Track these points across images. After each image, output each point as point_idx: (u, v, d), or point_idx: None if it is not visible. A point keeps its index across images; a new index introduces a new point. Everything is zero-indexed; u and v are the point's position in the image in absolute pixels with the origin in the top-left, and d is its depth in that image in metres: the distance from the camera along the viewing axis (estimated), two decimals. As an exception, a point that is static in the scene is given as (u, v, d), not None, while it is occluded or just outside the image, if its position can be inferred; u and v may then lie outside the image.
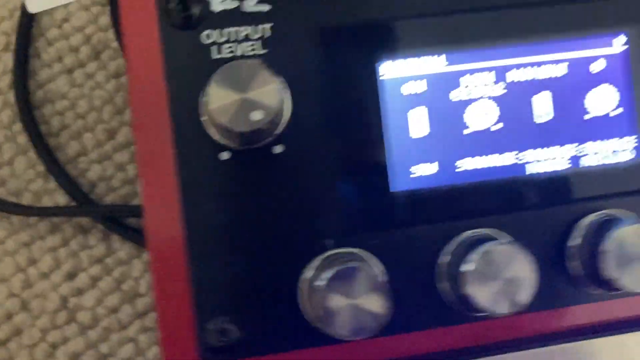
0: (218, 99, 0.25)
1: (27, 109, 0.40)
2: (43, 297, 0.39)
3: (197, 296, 0.28)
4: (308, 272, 0.27)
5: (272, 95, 0.25)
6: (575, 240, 0.29)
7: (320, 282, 0.25)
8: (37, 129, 0.40)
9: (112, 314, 0.39)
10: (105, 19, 0.41)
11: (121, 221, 0.39)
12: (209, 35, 0.28)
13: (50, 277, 0.39)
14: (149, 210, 0.28)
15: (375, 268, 0.27)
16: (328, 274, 0.25)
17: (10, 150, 0.40)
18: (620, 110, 0.30)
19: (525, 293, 0.26)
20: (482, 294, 0.26)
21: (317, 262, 0.28)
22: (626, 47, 0.30)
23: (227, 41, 0.28)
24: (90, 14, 0.41)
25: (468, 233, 0.28)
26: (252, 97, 0.25)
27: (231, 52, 0.28)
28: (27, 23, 0.41)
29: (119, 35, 0.39)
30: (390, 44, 0.29)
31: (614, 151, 0.30)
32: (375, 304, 0.25)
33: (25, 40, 0.41)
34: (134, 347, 0.39)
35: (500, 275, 0.26)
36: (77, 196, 0.39)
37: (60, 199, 0.40)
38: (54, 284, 0.39)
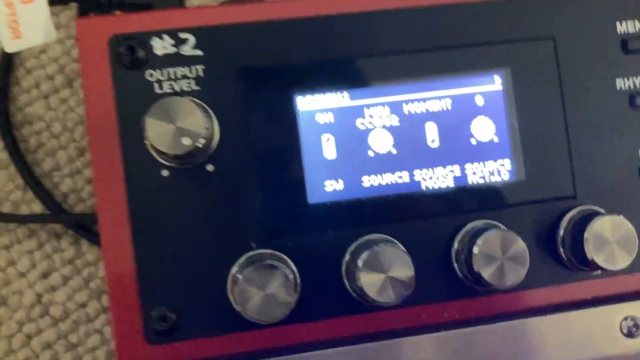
0: (154, 129, 0.31)
1: (8, 129, 0.46)
2: (20, 293, 0.45)
3: (142, 288, 0.33)
4: (234, 268, 0.33)
5: (197, 123, 0.31)
6: (457, 245, 0.35)
7: (240, 276, 0.31)
8: (17, 147, 0.46)
9: (80, 308, 0.45)
10: (76, 52, 0.47)
11: (89, 228, 0.45)
12: (152, 74, 0.34)
13: (26, 276, 0.45)
14: (102, 218, 0.33)
15: (287, 266, 0.33)
16: (248, 269, 0.31)
17: (-7, 166, 0.46)
18: (496, 138, 0.36)
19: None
20: (372, 287, 0.32)
21: (241, 259, 0.34)
22: (500, 86, 0.36)
23: (168, 79, 0.34)
24: (64, 46, 0.47)
25: (365, 237, 0.34)
26: (181, 126, 0.31)
27: (171, 88, 0.34)
28: (8, 55, 0.46)
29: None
30: (304, 81, 0.35)
31: (491, 172, 0.36)
32: (282, 296, 0.31)
33: (7, 69, 0.47)
34: (100, 337, 0.44)
35: (385, 270, 0.32)
36: (51, 206, 0.45)
37: (36, 207, 0.46)
38: (30, 282, 0.45)
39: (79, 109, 0.47)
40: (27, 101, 0.47)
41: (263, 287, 0.31)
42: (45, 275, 0.45)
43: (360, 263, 0.32)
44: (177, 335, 0.34)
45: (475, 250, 0.33)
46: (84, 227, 0.45)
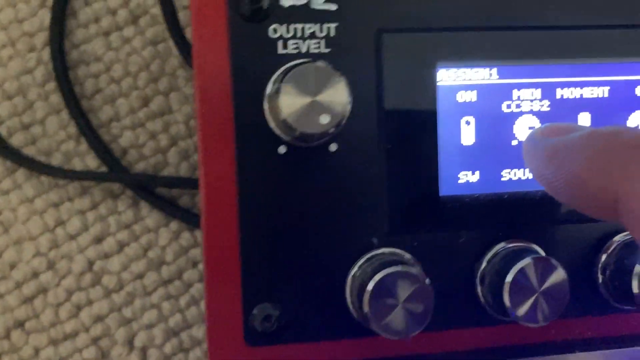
0: (290, 100, 0.26)
1: (62, 68, 0.40)
2: (69, 258, 0.40)
3: (246, 282, 0.29)
4: (355, 268, 0.29)
5: (340, 100, 0.26)
6: (605, 255, 0.30)
7: (371, 285, 0.27)
8: (71, 89, 0.40)
9: (137, 279, 0.40)
10: (145, -17, 0.41)
11: (151, 190, 0.40)
12: (276, 30, 0.28)
13: (77, 239, 0.40)
14: (206, 196, 0.28)
15: (418, 270, 0.28)
16: (378, 276, 0.27)
17: (42, 109, 0.40)
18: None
19: (557, 307, 0.28)
20: (520, 306, 0.27)
21: (362, 259, 0.29)
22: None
23: (294, 37, 0.28)
24: (130, -23, 0.41)
25: (505, 244, 0.30)
26: (322, 101, 0.26)
27: (296, 48, 0.28)
28: (66, -19, 0.40)
29: (163, 5, 0.39)
30: (448, 51, 0.29)
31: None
32: (419, 306, 0.27)
33: (63, -2, 0.40)
34: (158, 313, 0.40)
35: (535, 287, 0.28)
36: (107, 161, 0.40)
37: (91, 162, 0.40)
38: (81, 246, 0.40)
39: (145, 52, 0.41)
40: (84, 37, 0.40)
41: (399, 298, 0.27)
42: (98, 240, 0.40)
43: (509, 278, 0.28)
44: (281, 337, 0.29)
45: (638, 269, 0.28)
46: (145, 189, 0.40)
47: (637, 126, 0.31)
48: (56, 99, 0.40)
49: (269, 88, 0.27)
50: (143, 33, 0.41)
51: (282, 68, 0.28)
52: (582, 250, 0.31)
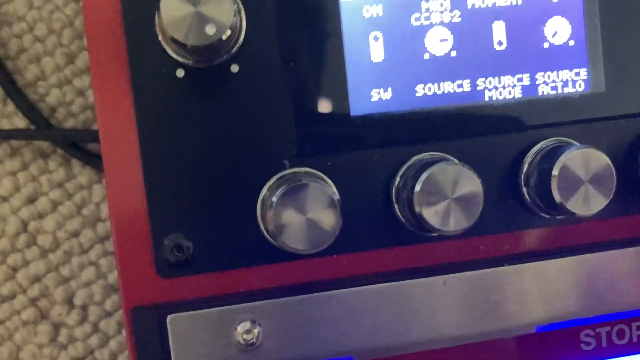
0: (170, 10, 0.25)
1: (-16, 30, 0.39)
2: (2, 219, 0.39)
3: (153, 212, 0.28)
4: (264, 191, 0.28)
5: (225, 10, 0.25)
6: (527, 165, 0.29)
7: (275, 198, 0.26)
8: (-6, 51, 0.39)
9: (72, 237, 0.39)
10: (63, -61, 0.40)
11: (82, 146, 0.39)
12: (164, -53, 0.27)
13: (9, 200, 0.39)
14: (104, 127, 0.27)
15: (329, 187, 0.27)
16: (282, 189, 0.26)
17: (-34, 73, 0.39)
18: (572, 42, 0.30)
19: (473, 211, 0.27)
20: (431, 214, 0.27)
21: (272, 180, 0.28)
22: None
23: (183, -45, 0.27)
24: None
25: (422, 156, 0.29)
26: (204, 11, 0.25)
27: (187, -33, 0.27)
28: (-18, -60, 0.39)
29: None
30: (349, -36, 0.29)
31: (566, 81, 0.30)
32: (325, 218, 0.26)
33: (-19, -41, 0.39)
34: (95, 270, 0.39)
35: (447, 194, 0.27)
36: (36, 120, 0.39)
37: (19, 122, 0.39)
38: (14, 207, 0.39)
39: (67, 9, 0.40)
40: (5, -2, 0.40)
41: (304, 211, 0.26)
42: (31, 200, 0.39)
43: (418, 187, 0.27)
44: (194, 267, 0.28)
45: (555, 172, 0.27)
46: (76, 145, 0.39)
47: (554, 33, 0.30)
48: (-21, 61, 0.39)
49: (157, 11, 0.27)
50: (64, -11, 0.40)
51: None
52: (503, 163, 0.30)
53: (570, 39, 0.31)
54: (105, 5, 0.27)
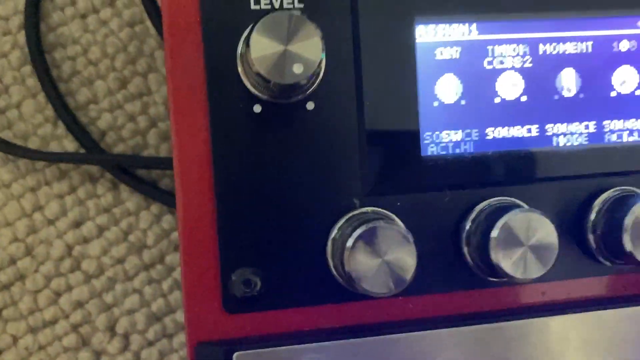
0: (260, 48, 0.25)
1: (38, 51, 0.39)
2: (48, 243, 0.39)
3: (223, 247, 0.28)
4: (335, 229, 0.28)
5: (314, 50, 0.25)
6: (594, 213, 0.29)
7: (350, 242, 0.26)
8: (48, 72, 0.39)
9: (117, 264, 0.39)
10: (121, -36, 0.40)
11: (131, 172, 0.39)
12: (248, -15, 0.27)
13: (55, 224, 0.39)
14: (179, 158, 0.27)
15: (402, 227, 0.27)
16: (357, 233, 0.26)
17: (18, 93, 0.39)
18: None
19: (548, 258, 0.27)
20: (506, 261, 0.26)
21: (342, 221, 0.28)
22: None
23: (266, -8, 0.27)
24: (106, -42, 0.40)
25: (492, 200, 0.29)
26: (294, 50, 0.25)
27: (269, 4, 0.27)
28: (41, -37, 0.39)
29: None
30: (426, 7, 0.29)
31: (632, 130, 0.31)
32: (402, 260, 0.26)
33: (38, -19, 0.40)
34: (139, 298, 0.39)
35: (523, 242, 0.27)
36: (86, 144, 0.39)
37: (69, 145, 0.39)
38: (60, 231, 0.39)
39: (122, 33, 0.40)
40: (61, 20, 0.40)
41: (380, 253, 0.26)
42: (77, 224, 0.39)
43: (494, 233, 0.27)
44: (261, 303, 0.28)
45: (625, 222, 0.27)
46: (125, 171, 0.39)
47: (622, 82, 0.31)
48: (32, 82, 0.39)
49: (241, 45, 0.27)
50: (120, 15, 0.40)
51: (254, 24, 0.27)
52: (569, 210, 0.30)
53: (637, 88, 0.31)
54: (187, 36, 0.27)
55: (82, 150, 0.39)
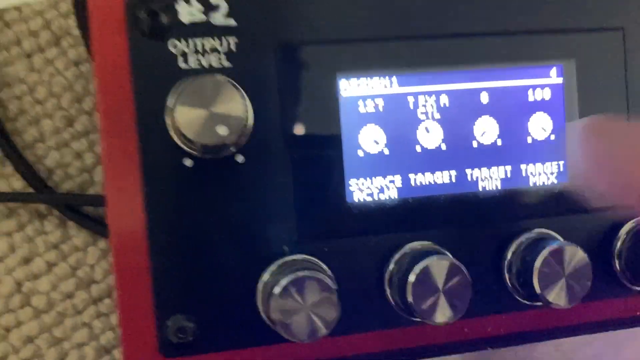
0: (185, 114, 0.26)
1: (-16, 92, 0.40)
2: (-3, 280, 0.40)
3: (158, 294, 0.29)
4: (265, 276, 0.29)
5: (237, 111, 0.27)
6: (509, 256, 0.31)
7: (277, 289, 0.27)
8: (-6, 113, 0.40)
9: (67, 299, 0.40)
10: (65, 5, 0.41)
11: (78, 209, 0.40)
12: (176, 45, 0.29)
13: (5, 261, 0.40)
14: (112, 210, 0.29)
15: (327, 276, 0.29)
16: (284, 281, 0.27)
17: (-35, 133, 0.40)
18: (553, 136, 0.33)
19: (463, 300, 0.29)
20: (424, 304, 0.28)
21: (273, 267, 0.29)
22: (560, 79, 0.32)
23: (195, 52, 0.29)
24: (50, -2, 0.41)
25: (414, 245, 0.30)
26: (217, 113, 0.26)
27: (198, 62, 0.29)
28: (-14, 4, 0.40)
29: (80, 22, 0.39)
30: (349, 62, 0.30)
31: (545, 173, 0.33)
32: (326, 310, 0.27)
33: (-17, 22, 0.40)
34: (89, 331, 0.40)
35: (435, 286, 0.28)
36: (34, 182, 0.40)
37: (16, 183, 0.40)
38: (9, 267, 0.40)
39: (67, 72, 0.41)
40: (6, 60, 0.41)
41: (305, 302, 0.27)
42: (26, 261, 0.40)
43: (412, 278, 0.28)
44: (196, 348, 0.30)
45: (537, 264, 0.29)
46: (72, 208, 0.40)
47: (537, 129, 0.33)
48: (-21, 122, 0.40)
49: (169, 101, 0.28)
50: (65, 54, 0.41)
51: (182, 81, 0.28)
52: (487, 251, 0.32)
53: (551, 133, 0.33)
54: (119, 92, 0.28)
55: (30, 189, 0.40)
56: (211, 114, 0.26)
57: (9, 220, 0.40)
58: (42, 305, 0.40)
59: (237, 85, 0.27)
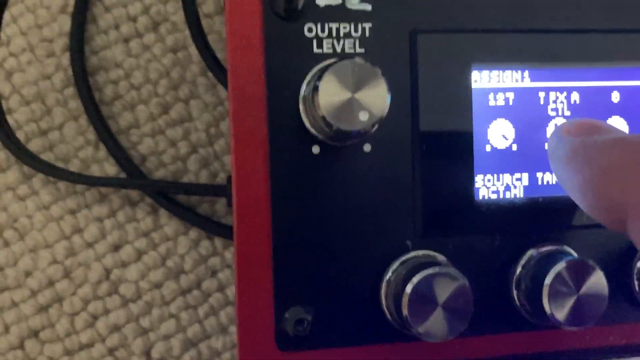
0: (329, 93, 0.25)
1: (82, 73, 0.39)
2: (86, 266, 0.39)
3: (278, 285, 0.28)
4: (389, 272, 0.28)
5: (380, 100, 0.26)
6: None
7: (408, 288, 0.26)
8: (91, 95, 0.39)
9: (155, 289, 0.39)
10: (166, -10, 0.41)
11: (171, 197, 0.39)
12: (311, 29, 0.28)
13: (94, 247, 0.39)
14: (239, 196, 0.28)
15: (455, 272, 0.28)
16: (414, 279, 0.26)
17: (60, 115, 0.40)
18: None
19: (598, 309, 0.27)
20: (558, 309, 0.27)
21: (397, 262, 0.28)
22: None
23: (329, 36, 0.28)
24: (151, -16, 0.41)
25: (539, 248, 0.29)
26: (361, 99, 0.26)
27: (331, 47, 0.28)
28: (87, -13, 0.40)
29: (186, 6, 0.39)
30: (482, 53, 0.29)
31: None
32: (461, 305, 0.26)
33: (83, 4, 0.40)
34: (176, 323, 0.39)
35: (573, 290, 0.27)
36: (127, 168, 0.39)
37: (109, 169, 0.40)
38: (98, 254, 0.39)
39: (165, 59, 0.40)
40: (104, 44, 0.40)
41: (437, 300, 0.26)
42: (116, 248, 0.39)
43: (547, 280, 0.27)
44: (314, 342, 0.28)
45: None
46: (165, 196, 0.39)
47: (668, 131, 0.31)
48: (75, 104, 0.40)
49: (304, 87, 0.27)
50: (163, 40, 0.40)
51: (317, 67, 0.27)
52: (617, 255, 0.30)
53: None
54: (251, 73, 0.28)
55: (123, 174, 0.39)
56: (355, 98, 0.25)
57: (100, 206, 0.39)
58: (130, 294, 0.39)
59: (381, 71, 0.26)
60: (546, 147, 0.30)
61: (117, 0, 0.41)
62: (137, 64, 0.40)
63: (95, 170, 0.39)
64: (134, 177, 0.39)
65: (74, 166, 0.39)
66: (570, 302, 0.27)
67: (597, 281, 0.27)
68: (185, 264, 0.39)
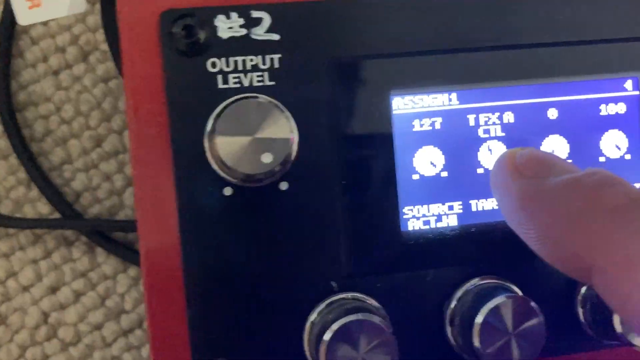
0: (226, 142, 0.24)
1: (9, 111, 0.38)
2: (22, 311, 0.37)
3: (194, 335, 0.26)
4: (313, 316, 0.26)
5: (283, 137, 0.24)
6: (585, 289, 0.28)
7: (328, 335, 0.24)
8: (20, 133, 0.38)
9: (95, 330, 0.38)
10: (93, 19, 0.39)
11: (107, 235, 0.38)
12: (214, 64, 0.26)
13: (30, 290, 0.37)
14: (146, 244, 0.26)
15: (382, 317, 0.26)
16: (335, 326, 0.24)
17: (-11, 155, 0.38)
18: (629, 156, 0.29)
19: (535, 348, 0.25)
20: (491, 347, 0.25)
21: (321, 306, 0.27)
22: (637, 92, 0.29)
23: (234, 70, 0.26)
24: (78, 12, 0.39)
25: (477, 281, 0.27)
26: (261, 137, 0.24)
27: (238, 81, 0.26)
28: (10, 19, 0.38)
29: (109, 37, 0.37)
30: (403, 78, 0.28)
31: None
32: (381, 357, 0.24)
33: (8, 38, 0.38)
34: (118, 366, 0.37)
35: (509, 329, 0.25)
36: (60, 206, 0.38)
37: (43, 208, 0.38)
38: (35, 297, 0.37)
39: (96, 90, 0.39)
40: (32, 78, 0.39)
41: (359, 349, 0.24)
42: (53, 290, 0.38)
43: (479, 319, 0.25)
44: (237, 395, 0.27)
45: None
46: (101, 234, 0.38)
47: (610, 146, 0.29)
48: (3, 143, 0.38)
49: (209, 126, 0.25)
50: (93, 70, 0.39)
51: (222, 104, 0.26)
52: (560, 284, 0.29)
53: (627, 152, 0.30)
54: (153, 119, 0.26)
55: (57, 213, 0.38)
56: (254, 140, 0.24)
57: (34, 247, 0.38)
58: (70, 337, 0.37)
59: (281, 106, 0.24)
60: (479, 172, 0.28)
61: (45, 31, 0.39)
62: (68, 96, 0.39)
63: (28, 210, 0.38)
64: (68, 216, 0.38)
65: (5, 207, 0.38)
66: (501, 341, 0.25)
67: (535, 322, 0.25)
68: (126, 303, 0.38)
